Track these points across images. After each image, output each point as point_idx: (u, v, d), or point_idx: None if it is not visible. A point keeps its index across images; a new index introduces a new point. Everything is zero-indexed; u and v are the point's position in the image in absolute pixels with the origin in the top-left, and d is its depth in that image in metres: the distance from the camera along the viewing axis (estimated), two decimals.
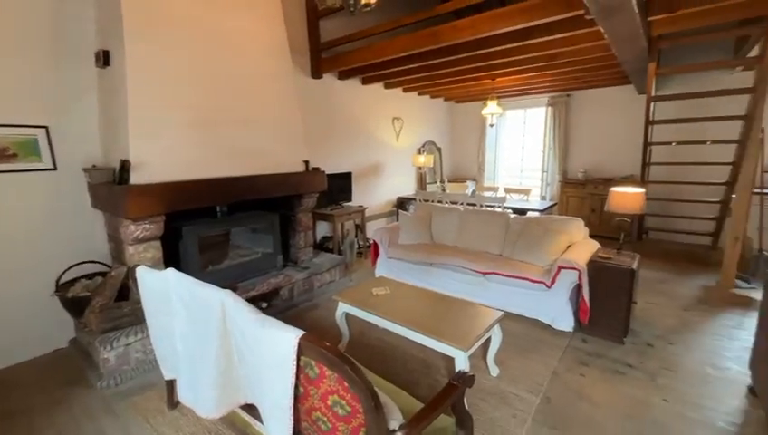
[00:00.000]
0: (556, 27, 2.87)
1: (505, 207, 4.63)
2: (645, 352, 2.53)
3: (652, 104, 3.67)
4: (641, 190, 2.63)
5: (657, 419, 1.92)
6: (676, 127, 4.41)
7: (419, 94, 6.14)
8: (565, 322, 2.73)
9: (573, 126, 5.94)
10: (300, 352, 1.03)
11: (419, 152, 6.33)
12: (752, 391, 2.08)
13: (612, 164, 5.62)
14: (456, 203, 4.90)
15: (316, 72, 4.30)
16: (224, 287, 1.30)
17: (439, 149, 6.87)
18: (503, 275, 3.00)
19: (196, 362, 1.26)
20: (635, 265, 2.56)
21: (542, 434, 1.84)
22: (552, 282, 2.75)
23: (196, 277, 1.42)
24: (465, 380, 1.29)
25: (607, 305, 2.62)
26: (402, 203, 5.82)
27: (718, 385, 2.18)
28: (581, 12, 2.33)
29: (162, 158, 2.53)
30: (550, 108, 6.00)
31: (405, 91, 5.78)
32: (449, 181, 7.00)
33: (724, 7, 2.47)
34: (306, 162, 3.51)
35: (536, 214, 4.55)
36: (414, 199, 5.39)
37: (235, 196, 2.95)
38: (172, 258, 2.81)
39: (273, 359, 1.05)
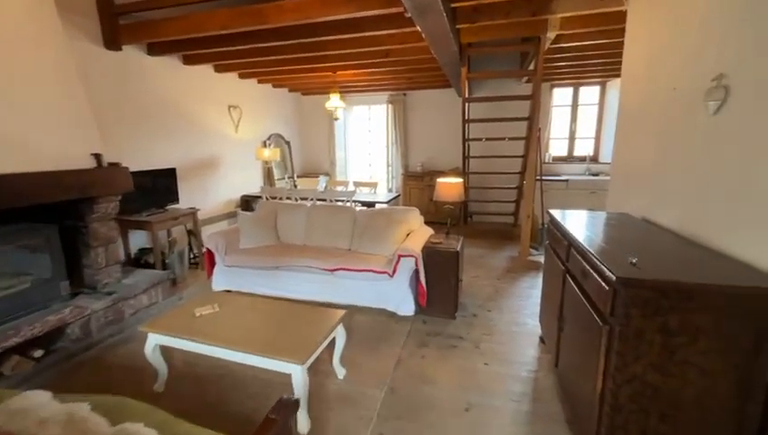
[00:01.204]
0: (384, 23, 2.94)
1: (355, 201, 4.68)
2: (471, 322, 2.87)
3: (467, 105, 4.24)
4: (460, 180, 2.97)
5: (482, 383, 2.17)
6: (485, 125, 5.26)
7: (259, 82, 5.63)
8: (407, 307, 2.86)
9: (411, 123, 6.48)
10: None
11: (265, 145, 5.84)
12: (542, 339, 2.57)
13: (442, 158, 6.37)
14: (306, 199, 4.69)
15: (112, 42, 3.37)
16: None
17: (288, 143, 6.51)
18: (349, 269, 2.96)
19: None
20: (459, 247, 2.88)
21: (387, 428, 1.83)
22: (394, 271, 2.85)
23: None
24: (286, 409, 1.10)
25: (439, 286, 2.87)
26: (248, 202, 5.27)
27: (521, 340, 2.63)
28: (402, 9, 2.41)
29: None
30: (390, 105, 6.39)
31: (241, 77, 5.19)
32: (300, 176, 6.73)
33: (510, 24, 2.98)
34: (98, 156, 2.70)
35: (383, 205, 4.75)
36: (261, 197, 4.92)
37: None
38: None
39: None
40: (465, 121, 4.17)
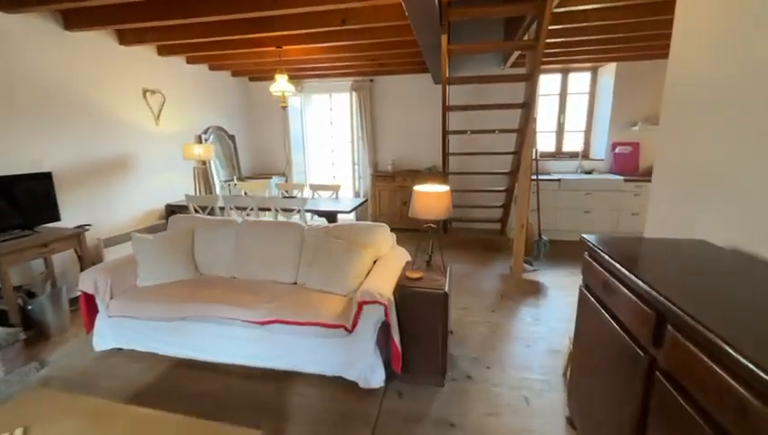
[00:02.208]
0: None
1: (309, 211, 3.72)
2: (466, 391, 2.01)
3: (448, 88, 3.37)
4: (446, 189, 2.09)
5: None
6: (468, 117, 4.44)
7: (189, 62, 4.51)
8: (375, 375, 1.97)
9: (379, 114, 5.56)
10: None
11: (200, 141, 4.74)
12: (570, 422, 1.76)
13: (417, 155, 5.52)
14: (245, 209, 3.68)
15: None
16: None
17: (232, 138, 5.42)
18: (288, 322, 2.02)
19: None
20: (447, 285, 2.00)
21: None
22: (354, 324, 1.94)
23: None
24: None
25: (421, 343, 1.99)
26: (174, 213, 4.17)
27: (540, 422, 1.80)
28: None
29: None
30: (354, 93, 5.43)
31: (162, 53, 4.06)
32: (250, 178, 5.65)
33: None
34: None
35: (347, 216, 3.83)
36: (186, 208, 3.86)
37: None
38: None
39: None
40: (446, 109, 3.31)
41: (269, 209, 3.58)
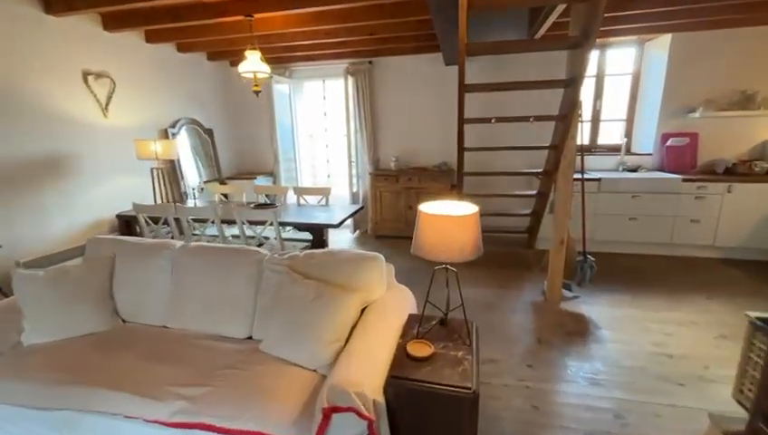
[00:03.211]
0: None
1: (284, 224, 2.94)
2: None
3: (465, 62, 2.52)
4: (474, 210, 1.27)
5: None
6: (487, 105, 3.60)
7: (149, 40, 3.73)
8: None
9: (380, 103, 4.73)
10: None
11: (167, 135, 3.98)
12: None
13: (424, 150, 4.70)
14: (205, 222, 2.91)
15: None
16: None
17: (209, 132, 4.65)
18: (213, 429, 1.24)
19: None
20: (475, 383, 1.19)
21: None
22: None
23: None
24: None
25: None
26: (129, 224, 3.44)
27: None
28: None
29: None
30: (351, 78, 4.61)
31: (109, 27, 3.29)
32: (233, 178, 4.89)
33: None
34: None
35: (337, 234, 3.04)
36: (137, 218, 3.10)
37: None
38: None
39: None
40: (463, 89, 2.46)
41: (234, 222, 2.81)
